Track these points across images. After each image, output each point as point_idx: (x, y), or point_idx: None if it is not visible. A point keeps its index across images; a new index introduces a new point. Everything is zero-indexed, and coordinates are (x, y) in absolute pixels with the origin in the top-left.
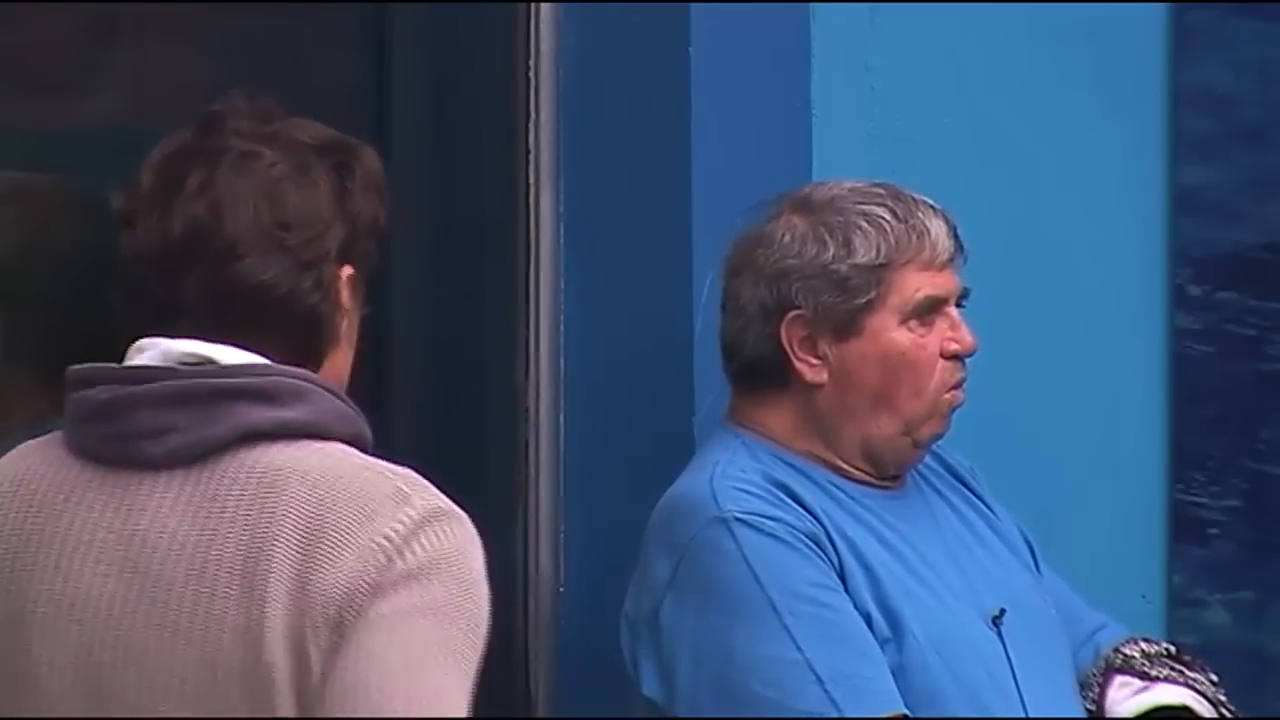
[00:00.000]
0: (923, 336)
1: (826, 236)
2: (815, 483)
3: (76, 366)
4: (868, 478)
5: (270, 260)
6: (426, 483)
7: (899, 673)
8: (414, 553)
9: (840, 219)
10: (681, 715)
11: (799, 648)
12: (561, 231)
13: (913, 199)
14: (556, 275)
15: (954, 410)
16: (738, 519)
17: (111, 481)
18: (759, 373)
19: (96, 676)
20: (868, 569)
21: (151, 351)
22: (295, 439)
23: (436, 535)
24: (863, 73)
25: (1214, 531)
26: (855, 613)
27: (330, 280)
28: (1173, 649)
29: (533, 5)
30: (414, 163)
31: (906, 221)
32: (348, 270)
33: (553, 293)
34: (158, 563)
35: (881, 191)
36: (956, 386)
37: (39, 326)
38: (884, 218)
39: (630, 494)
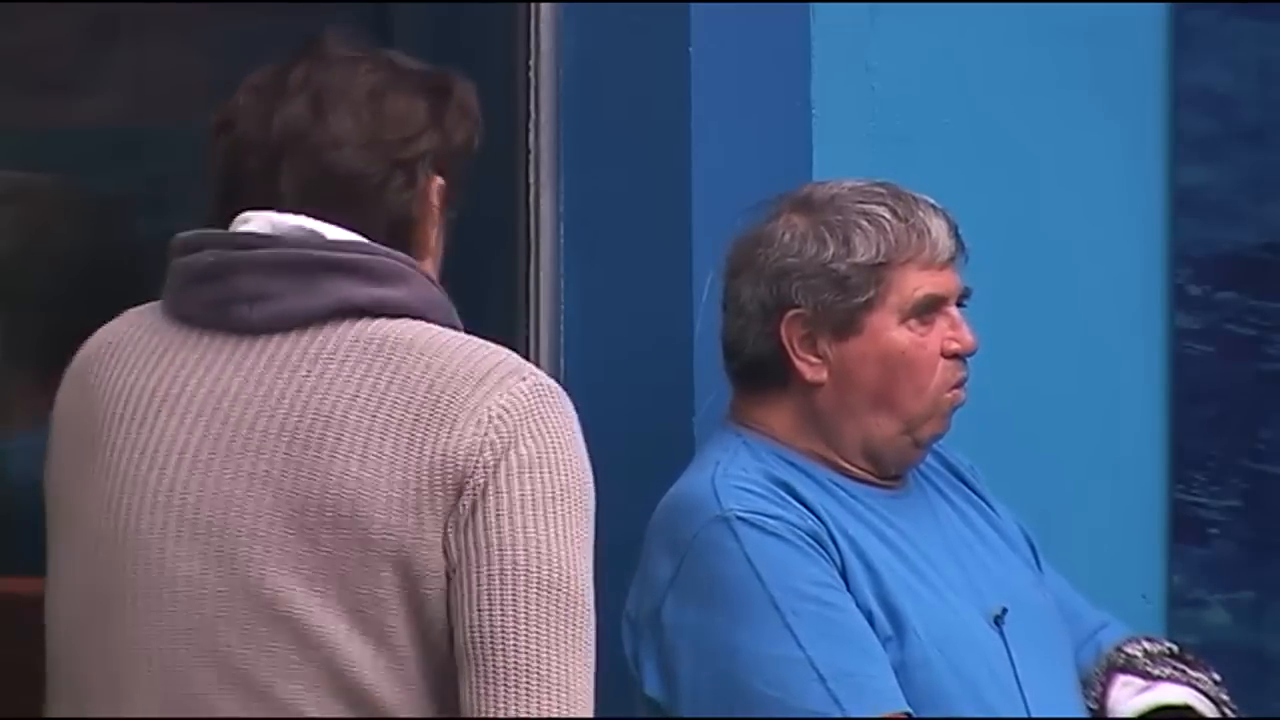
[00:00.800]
0: (923, 335)
1: (826, 235)
2: (816, 481)
3: (182, 234)
4: (869, 477)
5: (365, 153)
6: (523, 360)
7: (901, 670)
8: (531, 435)
9: (840, 218)
10: (683, 714)
11: (801, 646)
12: (561, 231)
13: (913, 198)
14: (556, 275)
15: (955, 409)
16: (740, 518)
17: (205, 343)
18: (759, 372)
19: (179, 518)
20: (869, 567)
21: (258, 220)
22: (394, 318)
23: (548, 416)
24: (863, 73)
25: (1214, 531)
26: (857, 611)
27: (423, 184)
28: (1175, 648)
29: (533, 5)
30: None
31: (907, 220)
32: (439, 181)
33: (553, 293)
34: (251, 416)
35: (882, 191)
36: (957, 386)
37: (39, 326)
38: (884, 217)
39: (630, 494)
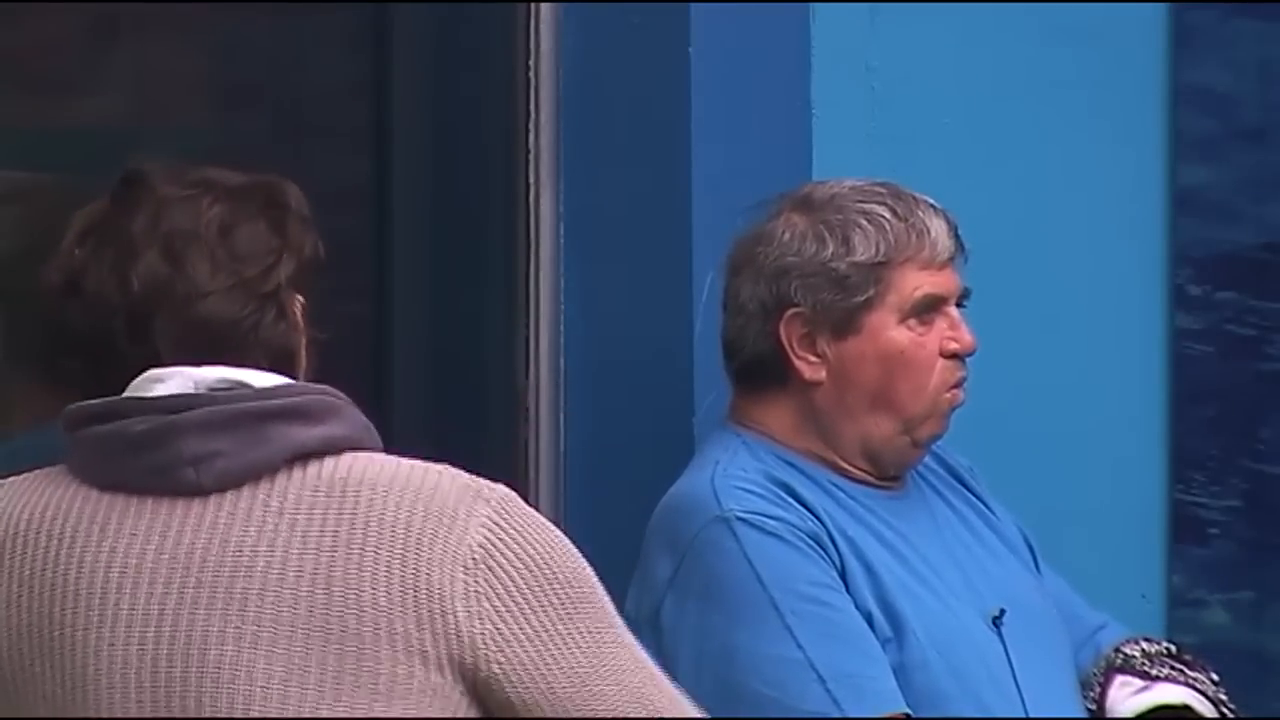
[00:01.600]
0: (922, 335)
1: (826, 234)
2: (816, 482)
3: (82, 404)
4: (868, 477)
5: (234, 296)
6: (465, 473)
7: (900, 672)
8: (519, 559)
9: (840, 217)
10: None
11: (801, 647)
12: (561, 231)
13: (913, 198)
14: (556, 275)
15: (954, 410)
16: (739, 518)
17: (151, 509)
18: (759, 371)
19: (169, 693)
20: (869, 568)
21: (177, 380)
22: (339, 454)
23: (521, 527)
24: (863, 73)
25: (1214, 531)
26: (856, 612)
27: (291, 311)
28: (1173, 648)
29: (533, 5)
30: (414, 163)
31: (906, 220)
32: (299, 299)
33: (553, 293)
34: (226, 578)
35: (882, 190)
36: (956, 386)
37: (39, 327)
38: (884, 216)
39: (630, 494)
